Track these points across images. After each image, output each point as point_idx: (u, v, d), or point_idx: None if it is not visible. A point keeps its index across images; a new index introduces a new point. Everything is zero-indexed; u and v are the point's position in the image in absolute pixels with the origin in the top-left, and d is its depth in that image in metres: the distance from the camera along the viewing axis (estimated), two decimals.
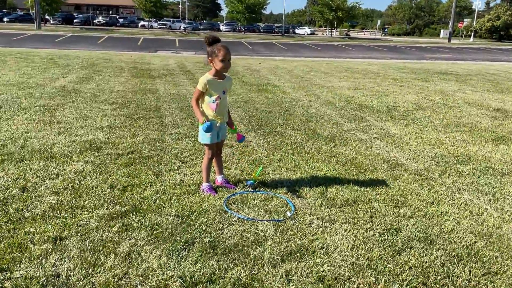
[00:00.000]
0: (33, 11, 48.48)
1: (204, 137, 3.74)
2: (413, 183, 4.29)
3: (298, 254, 2.88)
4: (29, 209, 3.33)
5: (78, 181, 3.91)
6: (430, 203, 3.84)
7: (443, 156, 5.25)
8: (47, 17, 52.18)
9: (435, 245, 3.07)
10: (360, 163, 4.83)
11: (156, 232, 3.07)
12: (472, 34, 59.25)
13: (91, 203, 3.48)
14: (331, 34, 50.31)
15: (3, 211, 3.27)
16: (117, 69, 12.14)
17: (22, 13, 60.49)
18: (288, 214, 3.44)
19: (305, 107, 7.72)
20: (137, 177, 4.08)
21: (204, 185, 3.84)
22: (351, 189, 4.04)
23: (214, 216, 3.36)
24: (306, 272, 2.67)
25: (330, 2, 53.29)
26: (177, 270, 2.63)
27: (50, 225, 3.08)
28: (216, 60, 3.55)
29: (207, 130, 3.55)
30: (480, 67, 17.79)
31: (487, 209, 3.76)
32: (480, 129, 6.68)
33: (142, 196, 3.67)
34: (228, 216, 3.38)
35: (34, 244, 2.84)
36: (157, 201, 3.58)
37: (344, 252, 2.93)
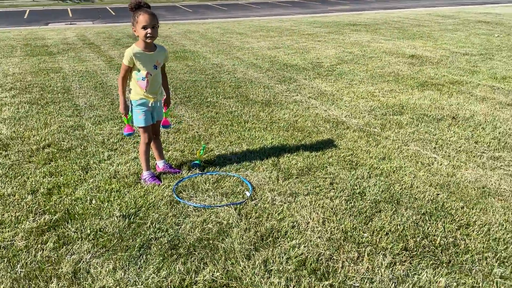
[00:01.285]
0: None
1: (136, 119, 3.27)
2: (360, 141, 4.21)
3: (270, 238, 2.62)
4: None
5: None
6: (382, 159, 3.78)
7: (378, 108, 5.26)
8: None
9: (402, 204, 2.99)
10: (303, 126, 4.64)
11: (102, 240, 2.61)
12: None
13: (12, 216, 2.88)
14: None
15: None
16: (7, 48, 10.59)
17: None
18: (247, 193, 3.15)
19: (231, 72, 7.33)
20: (62, 176, 3.49)
21: (145, 174, 3.38)
22: (302, 155, 3.84)
23: (165, 209, 2.96)
24: (285, 258, 2.42)
25: None
26: (139, 284, 2.23)
27: None
28: (138, 28, 3.05)
29: (128, 135, 3.38)
30: (383, 15, 18.48)
31: (435, 158, 3.80)
32: (403, 77, 6.84)
33: (73, 198, 3.13)
34: (182, 206, 2.99)
35: None
36: (94, 201, 3.07)
37: (317, 227, 2.73)
